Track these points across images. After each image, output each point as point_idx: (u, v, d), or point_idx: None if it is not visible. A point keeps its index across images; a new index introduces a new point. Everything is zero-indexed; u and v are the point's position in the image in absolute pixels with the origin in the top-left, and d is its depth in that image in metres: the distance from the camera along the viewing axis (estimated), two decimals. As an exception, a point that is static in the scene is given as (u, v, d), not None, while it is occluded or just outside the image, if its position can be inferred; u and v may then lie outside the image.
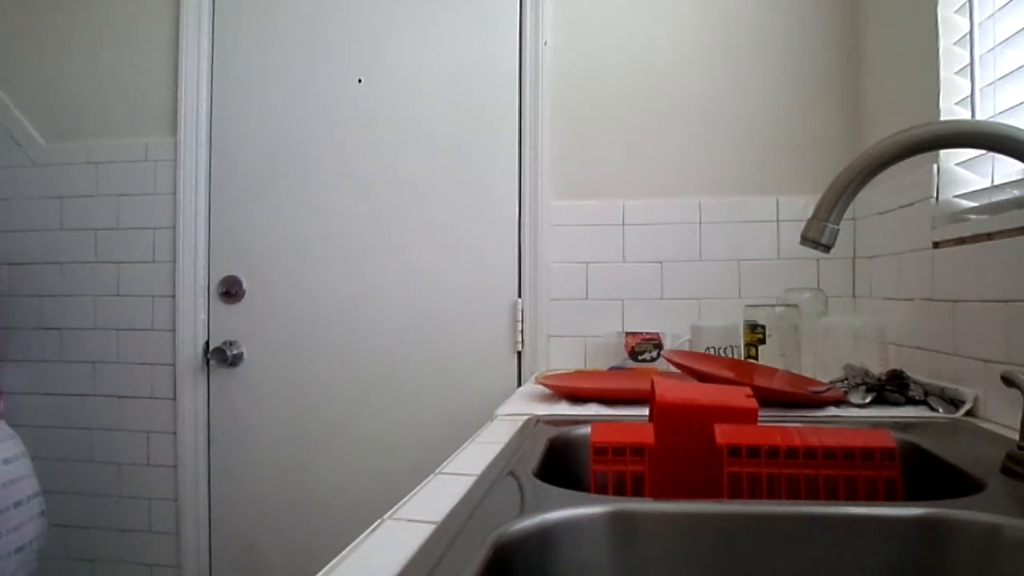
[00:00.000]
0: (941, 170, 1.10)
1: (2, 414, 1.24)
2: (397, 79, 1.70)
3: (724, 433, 0.66)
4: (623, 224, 1.59)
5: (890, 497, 0.63)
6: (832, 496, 0.63)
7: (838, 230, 0.68)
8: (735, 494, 0.64)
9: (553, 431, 0.85)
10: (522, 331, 1.63)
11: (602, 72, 1.62)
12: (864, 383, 1.05)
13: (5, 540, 1.05)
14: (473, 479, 0.64)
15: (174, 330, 1.74)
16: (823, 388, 1.05)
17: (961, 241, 1.00)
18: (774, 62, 1.55)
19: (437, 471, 0.68)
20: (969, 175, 1.07)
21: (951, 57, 1.09)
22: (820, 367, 1.22)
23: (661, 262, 1.57)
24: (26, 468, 1.14)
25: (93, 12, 1.82)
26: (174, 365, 1.74)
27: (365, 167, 1.70)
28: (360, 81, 1.71)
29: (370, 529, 0.51)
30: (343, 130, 1.71)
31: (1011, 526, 0.49)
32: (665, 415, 0.70)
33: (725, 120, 1.57)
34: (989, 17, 1.01)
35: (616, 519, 0.53)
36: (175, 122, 1.75)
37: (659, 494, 0.68)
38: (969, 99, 1.05)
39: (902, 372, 1.06)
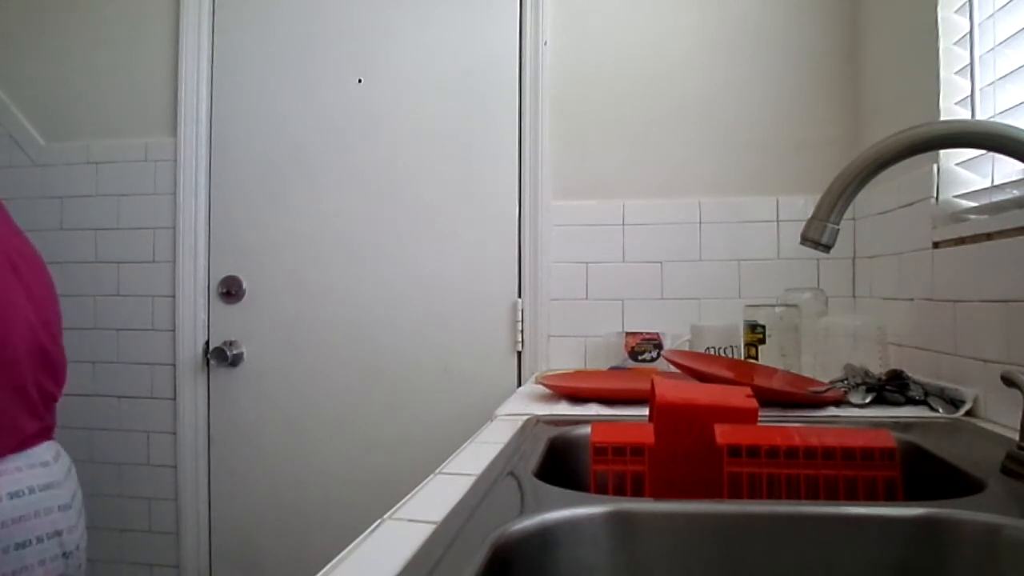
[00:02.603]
0: (941, 170, 1.10)
1: (50, 436, 1.10)
2: (397, 79, 1.70)
3: (724, 433, 0.66)
4: (623, 224, 1.59)
5: (890, 497, 0.63)
6: (832, 496, 0.63)
7: (838, 230, 0.68)
8: (735, 494, 0.64)
9: (553, 431, 0.85)
10: (522, 331, 1.63)
11: (602, 72, 1.62)
12: (864, 383, 1.05)
13: None
14: (473, 479, 0.64)
15: (174, 330, 1.74)
16: (823, 388, 1.05)
17: (961, 241, 1.00)
18: (774, 62, 1.55)
19: (437, 471, 0.68)
20: (969, 175, 1.07)
21: (951, 57, 1.09)
22: (820, 367, 1.22)
23: (661, 262, 1.57)
24: (45, 503, 1.01)
25: (93, 12, 1.82)
26: (174, 365, 1.74)
27: (365, 167, 1.70)
28: (360, 81, 1.71)
29: (370, 529, 0.51)
30: (343, 130, 1.71)
31: (1011, 526, 0.49)
32: (665, 415, 0.70)
33: (725, 120, 1.57)
34: (989, 17, 1.01)
35: (616, 519, 0.53)
36: (175, 122, 1.75)
37: (659, 494, 0.68)
38: (969, 99, 1.05)
39: (902, 372, 1.06)
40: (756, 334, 1.23)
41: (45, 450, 1.07)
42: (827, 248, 0.69)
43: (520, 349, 1.63)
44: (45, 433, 1.09)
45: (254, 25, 1.76)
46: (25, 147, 1.82)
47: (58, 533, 1.02)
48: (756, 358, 1.23)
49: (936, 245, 1.08)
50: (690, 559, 0.53)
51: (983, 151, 0.98)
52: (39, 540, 0.99)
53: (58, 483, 1.05)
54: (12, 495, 0.97)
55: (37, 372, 1.06)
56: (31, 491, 1.00)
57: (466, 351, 1.65)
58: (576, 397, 1.11)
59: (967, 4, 1.06)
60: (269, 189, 1.74)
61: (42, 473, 1.03)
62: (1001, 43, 0.98)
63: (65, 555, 1.03)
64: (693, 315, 1.54)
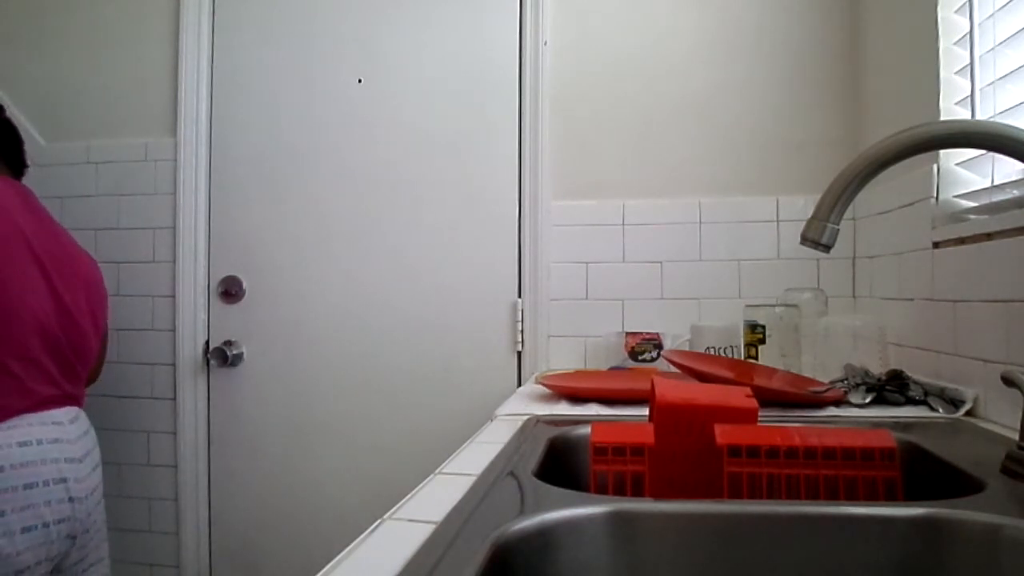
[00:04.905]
0: (941, 170, 1.10)
1: (73, 403, 1.29)
2: (397, 79, 1.70)
3: (724, 433, 0.66)
4: (623, 224, 1.59)
5: (890, 497, 0.63)
6: (832, 496, 0.63)
7: (838, 230, 0.68)
8: (735, 494, 0.64)
9: (553, 431, 0.85)
10: (522, 331, 1.63)
11: (602, 72, 1.62)
12: (864, 383, 1.05)
13: (9, 518, 1.09)
14: (473, 479, 0.64)
15: (174, 330, 1.74)
16: (823, 388, 1.05)
17: (961, 241, 1.00)
18: (774, 62, 1.55)
19: (437, 471, 0.68)
20: (969, 175, 1.07)
21: (951, 57, 1.09)
22: (820, 367, 1.22)
23: (661, 262, 1.57)
24: (52, 454, 1.16)
25: (93, 12, 1.82)
26: (174, 365, 1.74)
27: (365, 167, 1.70)
28: (360, 81, 1.71)
29: (370, 529, 0.51)
30: (343, 130, 1.71)
31: (1011, 526, 0.49)
32: (665, 415, 0.70)
33: (725, 120, 1.57)
34: (989, 17, 1.01)
35: (616, 519, 0.53)
36: (175, 122, 1.75)
37: (659, 494, 0.68)
38: (969, 99, 1.05)
39: (902, 372, 1.06)
40: (756, 334, 1.23)
41: (64, 413, 1.24)
42: (827, 248, 0.69)
43: (520, 349, 1.63)
44: (68, 400, 1.27)
45: (254, 25, 1.76)
46: (25, 147, 1.81)
47: (63, 480, 1.17)
48: (756, 358, 1.23)
49: (936, 245, 1.08)
50: (690, 559, 0.53)
51: (983, 151, 0.98)
52: (45, 484, 1.14)
53: (69, 440, 1.21)
54: (21, 443, 1.13)
55: (56, 348, 1.24)
56: (39, 442, 1.16)
57: (466, 351, 1.65)
58: (576, 397, 1.11)
59: (967, 4, 1.06)
60: (269, 189, 1.74)
61: (53, 430, 1.19)
62: (1001, 43, 0.98)
63: (71, 500, 1.18)
64: (693, 315, 1.54)
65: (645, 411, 0.91)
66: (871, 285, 1.40)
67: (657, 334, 1.50)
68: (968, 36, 1.05)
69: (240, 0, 1.76)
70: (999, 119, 0.99)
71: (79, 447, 1.23)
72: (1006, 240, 0.87)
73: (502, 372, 1.64)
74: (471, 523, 0.51)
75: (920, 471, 0.73)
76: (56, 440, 1.18)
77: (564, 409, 1.03)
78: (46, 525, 1.13)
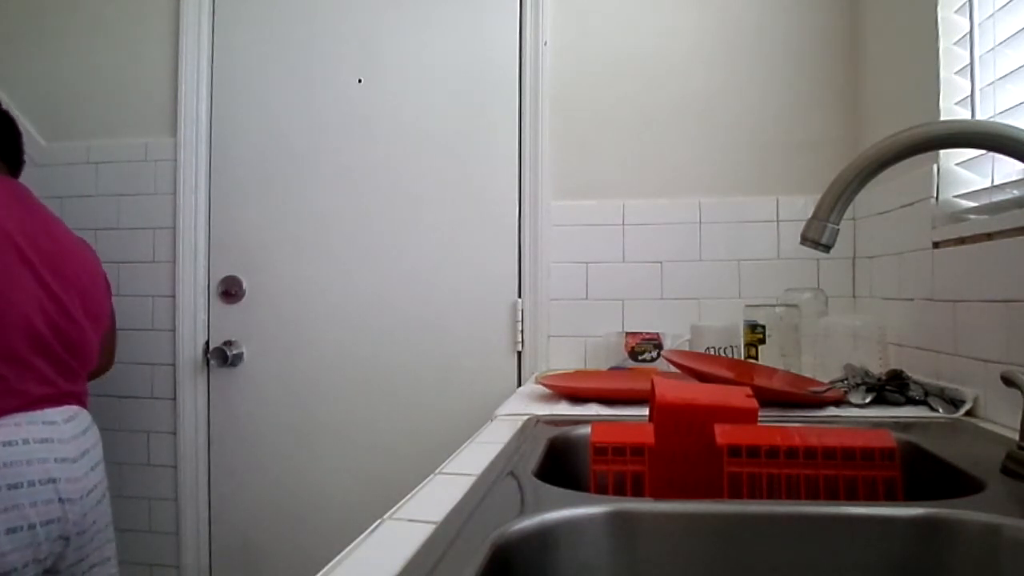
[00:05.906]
0: (941, 170, 1.10)
1: (72, 402, 1.27)
2: (397, 79, 1.70)
3: (724, 433, 0.66)
4: (623, 224, 1.59)
5: (890, 497, 0.63)
6: (832, 496, 0.63)
7: (838, 230, 0.68)
8: (735, 494, 0.64)
9: (553, 431, 0.85)
10: (522, 331, 1.63)
11: (602, 72, 1.62)
12: (864, 383, 1.05)
13: None
14: (473, 479, 0.64)
15: (174, 330, 1.74)
16: (823, 388, 1.05)
17: (961, 241, 1.00)
18: (774, 62, 1.55)
19: (437, 471, 0.68)
20: (969, 175, 1.07)
21: (951, 57, 1.09)
22: (820, 367, 1.22)
23: (661, 262, 1.57)
24: (40, 454, 1.14)
25: (93, 12, 1.82)
26: (174, 365, 1.74)
27: (365, 167, 1.70)
28: (360, 81, 1.71)
29: (370, 529, 0.51)
30: (343, 130, 1.71)
31: (1011, 526, 0.49)
32: (665, 415, 0.70)
33: (725, 120, 1.57)
34: (989, 17, 1.01)
35: (616, 519, 0.53)
36: (175, 122, 1.75)
37: (659, 494, 0.68)
38: (969, 99, 1.05)
39: (902, 372, 1.06)
40: (756, 334, 1.23)
41: (59, 412, 1.22)
42: (827, 248, 0.69)
43: (520, 349, 1.63)
44: (66, 398, 1.25)
45: (254, 25, 1.76)
46: (25, 147, 1.81)
47: (52, 480, 1.15)
48: (756, 358, 1.23)
49: (936, 245, 1.08)
50: (690, 559, 0.53)
51: (983, 151, 0.98)
52: (31, 484, 1.11)
53: (61, 440, 1.18)
54: (5, 443, 1.10)
55: (48, 347, 1.22)
56: (25, 442, 1.13)
57: (466, 351, 1.65)
58: (576, 397, 1.11)
59: (967, 4, 1.06)
60: (269, 189, 1.74)
61: (44, 429, 1.17)
62: (1001, 43, 0.98)
63: (62, 500, 1.15)
64: (693, 315, 1.54)
65: (645, 411, 0.91)
66: (871, 285, 1.40)
67: (657, 334, 1.50)
68: (968, 36, 1.05)
69: (240, 0, 1.76)
70: (999, 119, 0.99)
71: (73, 447, 1.21)
72: (1006, 240, 0.87)
73: (502, 372, 1.64)
74: (471, 523, 0.51)
75: (920, 471, 0.73)
76: (46, 440, 1.16)
77: (564, 409, 1.03)
78: (32, 527, 1.11)
